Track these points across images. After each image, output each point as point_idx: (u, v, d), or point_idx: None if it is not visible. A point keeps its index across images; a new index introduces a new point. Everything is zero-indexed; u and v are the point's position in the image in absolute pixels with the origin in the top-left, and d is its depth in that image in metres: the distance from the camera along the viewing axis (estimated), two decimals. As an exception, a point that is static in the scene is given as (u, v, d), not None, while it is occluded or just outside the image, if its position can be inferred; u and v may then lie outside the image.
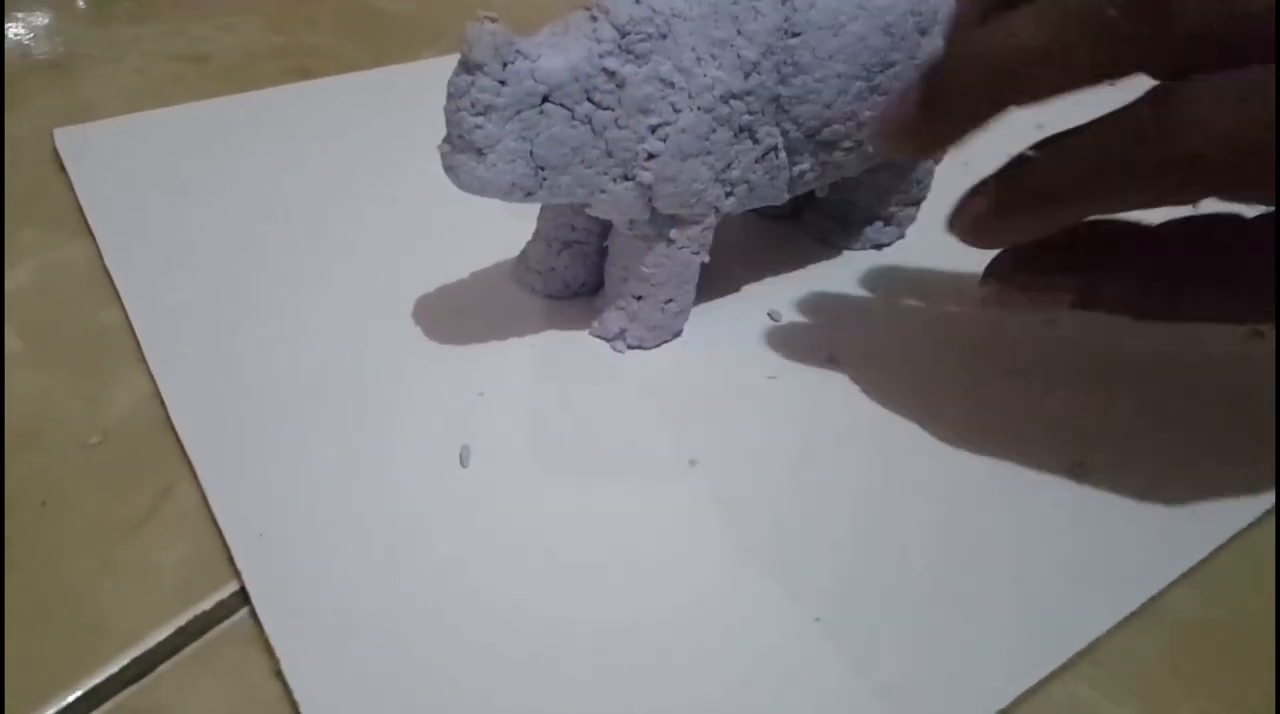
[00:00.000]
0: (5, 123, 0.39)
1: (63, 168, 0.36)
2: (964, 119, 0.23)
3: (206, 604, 0.22)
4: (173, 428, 0.26)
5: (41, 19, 0.48)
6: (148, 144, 0.36)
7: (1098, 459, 0.27)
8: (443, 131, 0.25)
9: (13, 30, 0.47)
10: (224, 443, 0.26)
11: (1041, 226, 0.23)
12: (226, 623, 0.22)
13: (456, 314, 0.30)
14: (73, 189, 0.34)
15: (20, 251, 0.33)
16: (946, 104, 0.22)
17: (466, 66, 0.23)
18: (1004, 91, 0.22)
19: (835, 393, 0.29)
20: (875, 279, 0.33)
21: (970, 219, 0.23)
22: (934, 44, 0.29)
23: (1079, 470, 0.26)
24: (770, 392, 0.29)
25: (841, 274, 0.33)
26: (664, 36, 0.25)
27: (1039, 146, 0.22)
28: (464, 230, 0.34)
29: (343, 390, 0.27)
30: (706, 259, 0.29)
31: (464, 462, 0.25)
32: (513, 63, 0.23)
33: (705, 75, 0.25)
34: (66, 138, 0.36)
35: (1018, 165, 0.22)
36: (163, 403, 0.27)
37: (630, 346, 0.30)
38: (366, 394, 0.27)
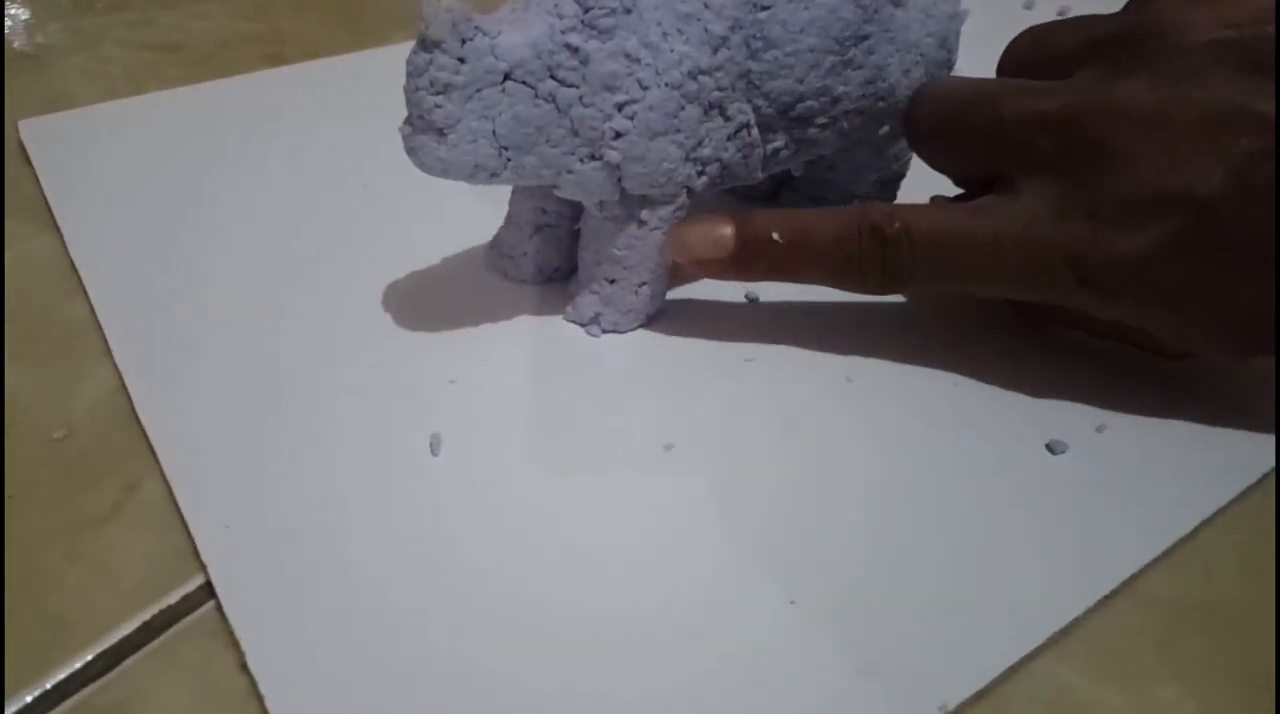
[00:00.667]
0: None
1: (29, 160, 0.35)
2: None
3: (172, 598, 0.22)
4: (138, 421, 0.26)
5: (12, 9, 0.47)
6: (115, 134, 0.36)
7: (1075, 438, 0.26)
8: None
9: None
10: (190, 435, 0.25)
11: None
12: (192, 617, 0.22)
13: (428, 301, 0.30)
14: (39, 181, 0.34)
15: (-15, 246, 0.32)
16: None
17: (424, 44, 0.23)
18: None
19: (812, 375, 0.28)
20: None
21: (705, 259, 0.28)
22: (908, 16, 0.29)
23: (1056, 448, 0.26)
24: (746, 374, 0.28)
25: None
26: (628, 11, 0.24)
27: (780, 228, 0.27)
28: (436, 216, 0.33)
29: (312, 379, 0.27)
30: (680, 240, 0.29)
31: (434, 450, 0.25)
32: (471, 39, 0.23)
33: (672, 51, 0.25)
34: (32, 129, 0.36)
35: (762, 241, 0.28)
36: (128, 396, 0.26)
37: (605, 331, 0.29)
38: (336, 383, 0.27)
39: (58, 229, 0.32)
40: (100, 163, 0.34)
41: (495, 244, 0.31)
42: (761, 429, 0.26)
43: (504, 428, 0.26)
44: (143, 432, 0.25)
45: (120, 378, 0.27)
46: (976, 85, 0.27)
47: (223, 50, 0.44)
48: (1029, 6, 0.50)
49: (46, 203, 0.33)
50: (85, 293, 0.30)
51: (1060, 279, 0.24)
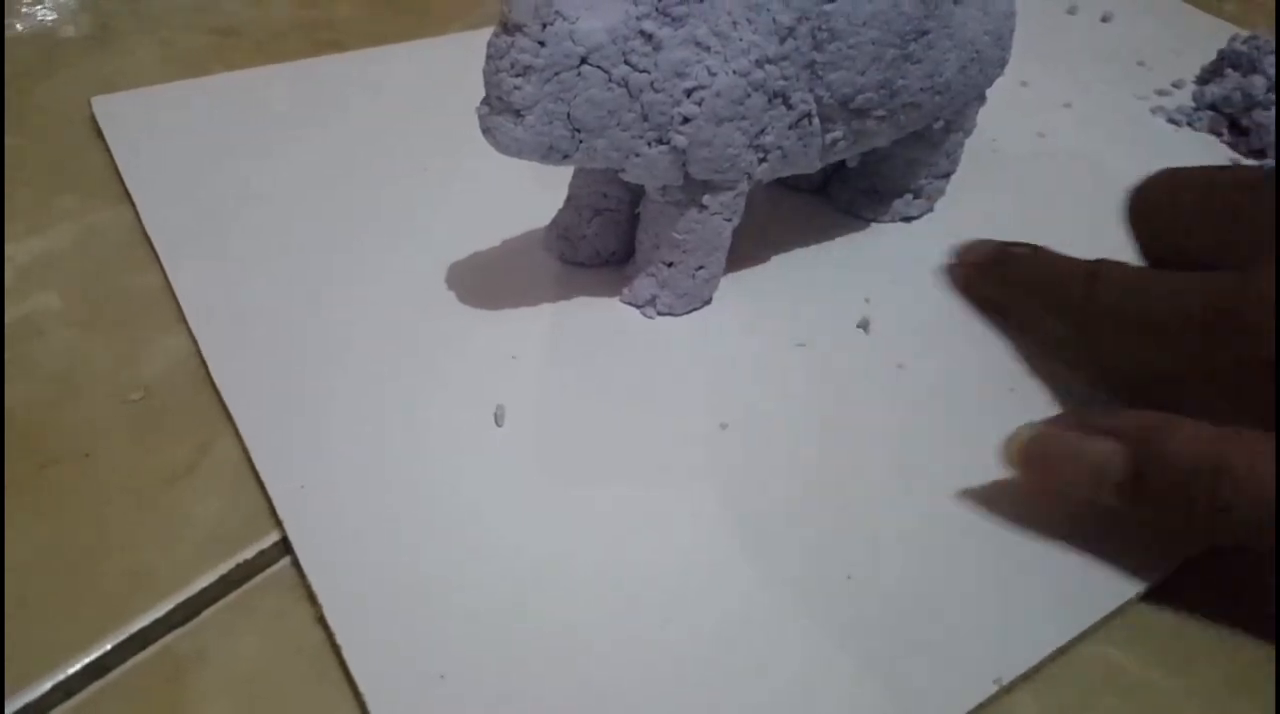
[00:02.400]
0: (36, 95, 0.39)
1: (100, 136, 0.36)
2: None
3: (248, 553, 0.23)
4: (213, 384, 0.27)
5: (74, -7, 0.48)
6: (184, 113, 0.37)
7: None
8: (473, 103, 0.25)
9: (41, 9, 0.47)
10: (263, 399, 0.26)
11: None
12: (269, 571, 0.23)
13: (488, 280, 0.31)
14: (111, 156, 0.35)
15: (59, 216, 0.33)
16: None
17: (506, 27, 0.24)
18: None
19: (863, 361, 0.29)
20: (903, 251, 0.33)
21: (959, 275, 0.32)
22: (966, 13, 0.29)
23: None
24: (799, 358, 0.29)
25: (870, 245, 0.34)
26: (700, 0, 0.25)
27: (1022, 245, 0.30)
28: (495, 199, 0.34)
29: (379, 350, 0.28)
30: (737, 224, 0.29)
31: (499, 421, 0.26)
32: (551, 24, 0.24)
33: (741, 39, 0.25)
34: (104, 106, 0.37)
35: (1001, 256, 0.30)
36: (203, 361, 0.27)
37: (660, 313, 0.30)
38: (402, 354, 0.28)
39: (131, 202, 0.33)
40: (170, 139, 0.35)
41: (554, 226, 0.32)
42: (814, 412, 0.27)
43: (564, 403, 0.27)
44: (217, 394, 0.26)
45: (194, 344, 0.28)
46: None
47: (282, 36, 0.45)
48: (1072, 11, 0.51)
49: (119, 176, 0.34)
50: (159, 262, 0.30)
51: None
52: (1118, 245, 0.28)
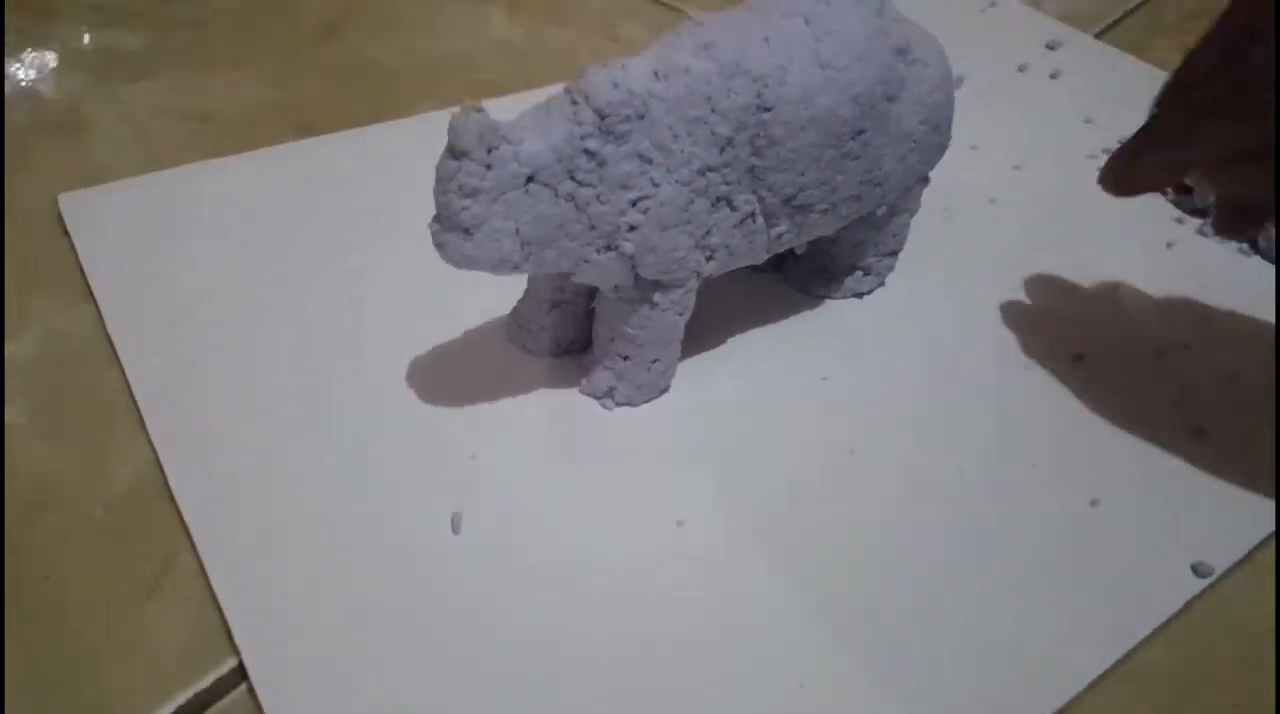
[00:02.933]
0: (8, 189, 0.40)
1: (68, 233, 0.37)
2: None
3: (205, 681, 0.23)
4: (173, 497, 0.27)
5: (45, 77, 0.49)
6: (150, 207, 0.37)
7: (1110, 491, 0.28)
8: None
9: (17, 90, 0.48)
10: (221, 513, 0.27)
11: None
12: (226, 699, 0.23)
13: (450, 373, 0.31)
14: (76, 254, 0.35)
15: (27, 318, 0.34)
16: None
17: (453, 152, 0.24)
18: None
19: (825, 445, 0.30)
20: (857, 327, 0.34)
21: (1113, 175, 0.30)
22: (902, 108, 0.30)
23: (1095, 504, 0.27)
24: (756, 446, 0.30)
25: (825, 323, 0.34)
26: (641, 117, 0.26)
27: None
28: (458, 287, 0.34)
29: (339, 456, 0.28)
30: (689, 317, 0.30)
31: (455, 528, 0.26)
32: (497, 148, 0.24)
33: (682, 151, 0.26)
34: (71, 203, 0.37)
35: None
36: (163, 471, 0.28)
37: (619, 404, 0.31)
38: (362, 459, 0.28)
39: (94, 301, 0.34)
40: (136, 236, 0.36)
41: (515, 317, 0.33)
42: (769, 505, 0.28)
43: (522, 507, 0.27)
44: (177, 508, 0.27)
45: (154, 452, 0.28)
46: None
47: (253, 120, 0.46)
48: (1023, 69, 0.52)
49: (84, 275, 0.35)
50: (120, 366, 0.31)
51: None
52: (1076, 315, 0.29)
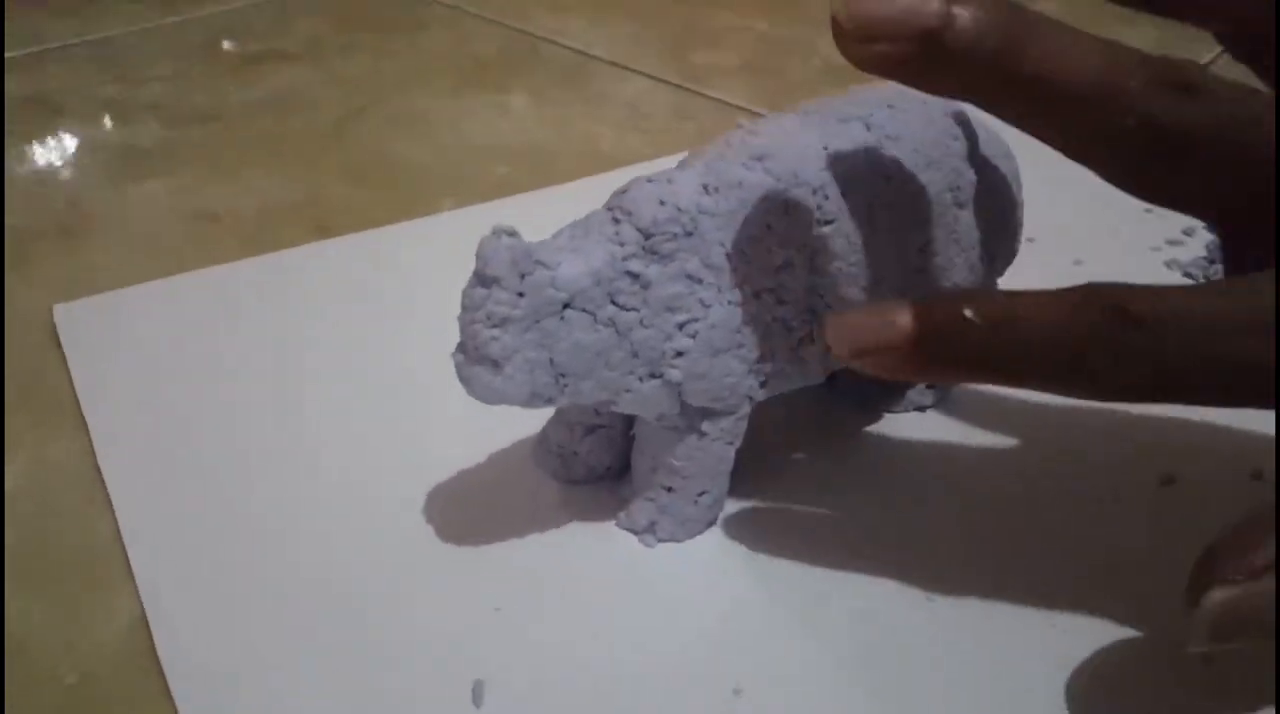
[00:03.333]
0: (8, 295, 0.38)
1: (60, 346, 0.34)
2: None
3: None
4: (159, 664, 0.24)
5: (51, 176, 0.48)
6: (152, 318, 0.35)
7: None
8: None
9: (20, 191, 0.46)
10: (214, 686, 0.23)
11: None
12: None
13: (472, 507, 0.28)
14: (69, 373, 0.33)
15: (14, 444, 0.31)
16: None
17: (481, 279, 0.22)
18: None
19: (899, 592, 0.26)
20: (923, 446, 0.31)
21: (872, 349, 0.21)
22: (970, 214, 0.27)
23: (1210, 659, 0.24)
24: (822, 591, 0.26)
25: (886, 442, 0.31)
26: (689, 234, 0.23)
27: (976, 307, 0.20)
28: (482, 408, 0.31)
29: (346, 614, 0.25)
30: (740, 445, 0.27)
31: (477, 700, 0.23)
32: (530, 273, 0.22)
33: (735, 270, 0.24)
34: (66, 314, 0.35)
35: (957, 327, 0.20)
36: (150, 632, 0.25)
37: (661, 540, 0.28)
38: (375, 618, 0.25)
39: (86, 429, 0.31)
40: (133, 352, 0.33)
41: (543, 441, 0.30)
42: (840, 663, 0.24)
43: (553, 672, 0.24)
44: (162, 676, 0.24)
45: (142, 608, 0.25)
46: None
47: (267, 220, 0.44)
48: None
49: (76, 398, 0.32)
50: (110, 505, 0.28)
51: None
52: (1161, 430, 0.25)
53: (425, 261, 0.38)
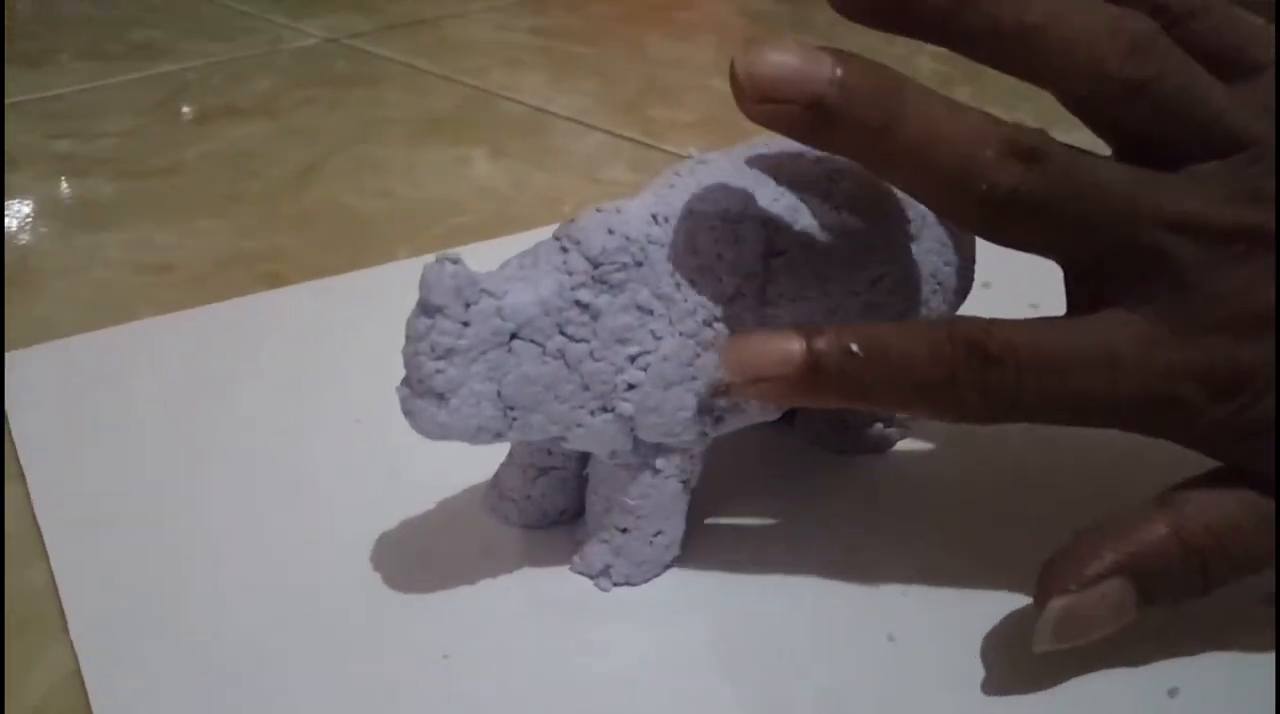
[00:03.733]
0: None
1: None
2: None
3: None
4: (92, 717, 0.23)
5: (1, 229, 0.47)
6: (96, 368, 0.34)
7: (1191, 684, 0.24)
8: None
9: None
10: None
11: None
12: None
13: (422, 553, 0.28)
14: (7, 423, 0.32)
15: (-54, 496, 0.30)
16: None
17: (425, 309, 0.21)
18: None
19: (861, 632, 0.25)
20: (884, 486, 0.31)
21: (766, 377, 0.22)
22: (924, 248, 0.28)
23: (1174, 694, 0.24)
24: (783, 635, 0.25)
25: (846, 482, 0.31)
26: (639, 264, 0.23)
27: (859, 340, 0.22)
28: (431, 453, 0.31)
29: (294, 663, 0.24)
30: (695, 484, 0.27)
31: (427, 750, 0.22)
32: (476, 302, 0.21)
33: (685, 301, 0.23)
34: (9, 364, 0.34)
35: (841, 359, 0.22)
36: (84, 685, 0.23)
37: (616, 584, 0.27)
38: (317, 667, 0.24)
39: (24, 479, 0.30)
40: (76, 403, 0.33)
41: (495, 485, 0.29)
42: (801, 706, 0.23)
43: (506, 719, 0.23)
44: (96, 733, 0.22)
45: (77, 661, 0.24)
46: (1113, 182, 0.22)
47: (219, 269, 0.43)
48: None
49: (15, 449, 0.31)
50: (47, 557, 0.27)
51: (1187, 398, 0.22)
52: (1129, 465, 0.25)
53: (379, 309, 0.38)
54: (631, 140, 0.58)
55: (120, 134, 0.58)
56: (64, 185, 0.52)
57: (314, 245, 0.45)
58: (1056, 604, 0.22)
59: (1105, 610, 0.22)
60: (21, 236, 0.46)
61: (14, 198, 0.50)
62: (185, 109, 0.63)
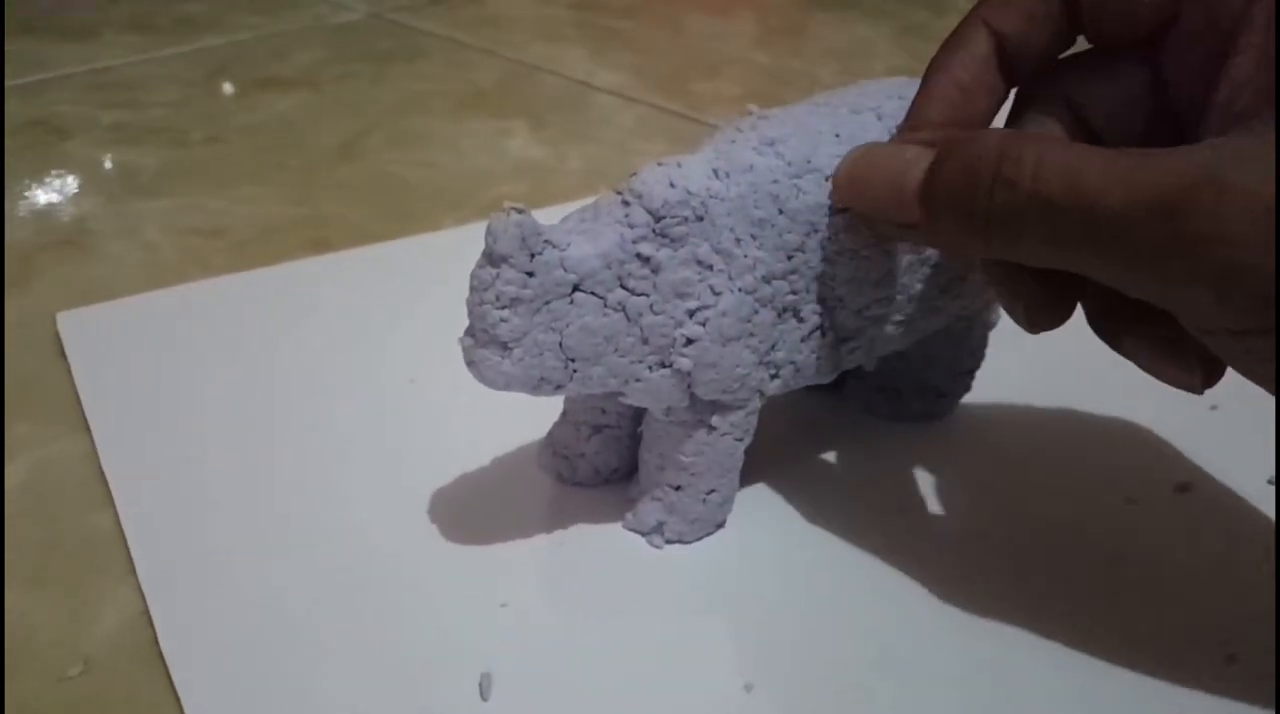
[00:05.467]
0: (7, 306, 0.38)
1: (64, 355, 0.34)
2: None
3: None
4: (162, 656, 0.23)
5: (54, 195, 0.48)
6: (153, 327, 0.35)
7: (1250, 648, 0.24)
8: (462, 304, 0.23)
9: (25, 207, 0.46)
10: (217, 675, 0.23)
11: None
12: None
13: (477, 508, 0.28)
14: (72, 378, 0.33)
15: (14, 446, 0.30)
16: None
17: (491, 258, 0.22)
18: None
19: (911, 593, 0.25)
20: (935, 453, 0.31)
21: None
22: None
23: (1231, 663, 0.23)
24: (834, 591, 0.26)
25: (897, 449, 0.31)
26: (700, 218, 0.23)
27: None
28: (486, 412, 0.31)
29: (352, 609, 0.25)
30: (749, 442, 0.27)
31: (484, 694, 0.22)
32: (540, 253, 0.22)
33: (746, 256, 0.24)
34: (70, 322, 0.35)
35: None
36: (152, 623, 0.24)
37: (669, 541, 0.27)
38: (378, 611, 0.25)
39: (89, 430, 0.30)
40: (135, 358, 0.33)
41: (549, 443, 0.29)
42: (853, 663, 0.24)
43: (561, 666, 0.23)
44: (165, 668, 0.23)
45: (144, 601, 0.25)
46: None
47: (267, 235, 0.44)
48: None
49: (79, 401, 0.32)
50: (113, 503, 0.28)
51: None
52: (1178, 436, 0.25)
53: (425, 275, 0.38)
54: (673, 113, 0.58)
55: (168, 105, 0.58)
56: (114, 154, 0.52)
57: (358, 213, 0.46)
58: (860, 147, 0.23)
59: (891, 165, 0.22)
60: (75, 202, 0.47)
61: (68, 165, 0.51)
62: (230, 81, 0.63)
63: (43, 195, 0.48)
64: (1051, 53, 0.23)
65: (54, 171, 0.50)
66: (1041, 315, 0.22)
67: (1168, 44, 0.21)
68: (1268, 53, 0.19)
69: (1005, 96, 0.24)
